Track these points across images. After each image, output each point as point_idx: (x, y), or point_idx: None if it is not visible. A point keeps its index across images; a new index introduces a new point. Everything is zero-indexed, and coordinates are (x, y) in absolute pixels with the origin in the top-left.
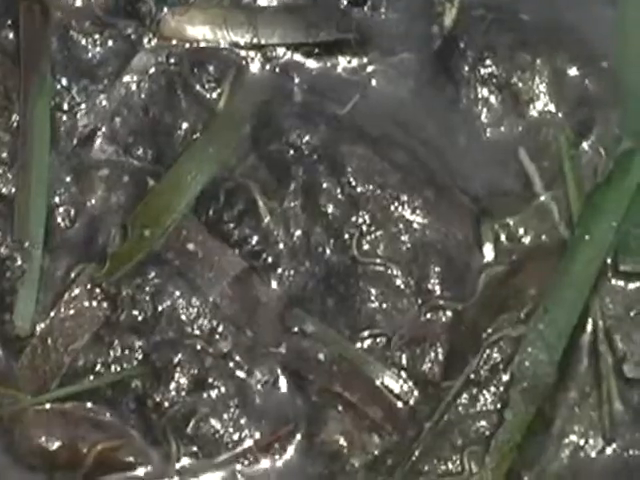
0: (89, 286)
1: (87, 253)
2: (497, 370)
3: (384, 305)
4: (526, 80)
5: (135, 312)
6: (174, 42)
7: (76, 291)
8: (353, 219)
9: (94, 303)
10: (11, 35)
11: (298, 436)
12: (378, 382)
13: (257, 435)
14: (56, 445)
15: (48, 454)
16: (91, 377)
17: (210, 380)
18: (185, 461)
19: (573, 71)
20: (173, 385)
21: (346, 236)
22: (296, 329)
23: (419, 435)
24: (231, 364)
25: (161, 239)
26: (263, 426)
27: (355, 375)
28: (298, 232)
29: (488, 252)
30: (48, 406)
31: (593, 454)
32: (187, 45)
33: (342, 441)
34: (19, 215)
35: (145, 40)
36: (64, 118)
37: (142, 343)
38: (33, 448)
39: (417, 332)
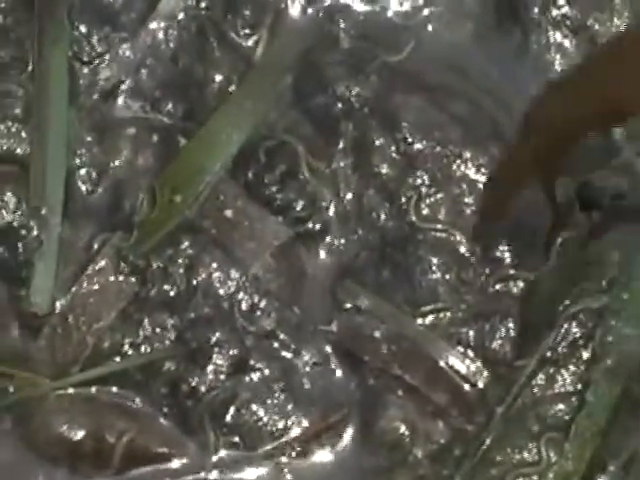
0: (115, 258)
1: (112, 221)
2: (577, 346)
3: (447, 276)
4: (604, 21)
5: (167, 286)
6: None
7: (100, 263)
8: (410, 180)
9: (121, 277)
10: None
11: (352, 424)
12: (442, 362)
13: (305, 423)
14: (80, 434)
15: (71, 444)
16: (118, 359)
17: (252, 362)
18: (224, 453)
19: None
20: (210, 368)
21: (403, 199)
22: (349, 304)
23: (490, 421)
24: (275, 344)
25: (195, 205)
26: (312, 413)
27: (416, 355)
28: (349, 195)
29: (564, 214)
30: (71, 391)
31: None
32: None
33: (403, 429)
34: (35, 179)
35: None
36: (84, 70)
37: (175, 321)
38: (54, 438)
39: (485, 306)
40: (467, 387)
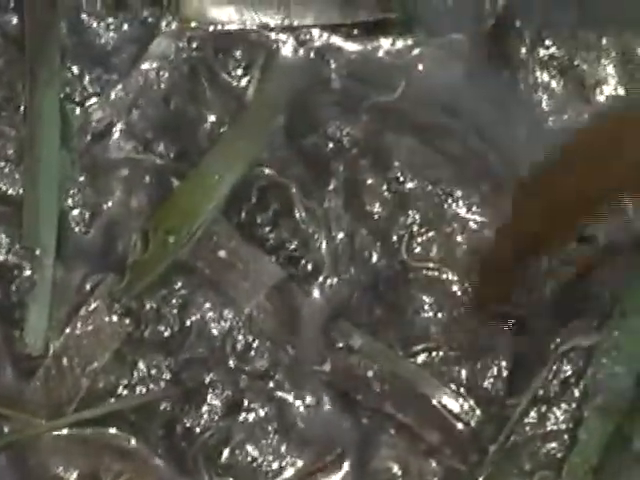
0: (108, 299)
1: (105, 262)
2: (568, 385)
3: (439, 315)
4: (591, 61)
5: (161, 327)
6: (196, 25)
7: (94, 304)
8: (402, 219)
9: (114, 318)
10: (15, 20)
11: (346, 464)
12: (435, 401)
13: (300, 463)
14: (75, 475)
15: None
16: (113, 401)
17: (246, 402)
18: None
19: None
20: (205, 408)
21: (394, 238)
22: (341, 344)
23: (482, 460)
24: (270, 384)
25: (188, 246)
26: (306, 453)
27: (409, 394)
28: (341, 235)
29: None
30: (66, 432)
31: None
32: (211, 28)
33: (396, 469)
34: (28, 219)
35: (164, 23)
36: (76, 111)
37: (169, 362)
38: (50, 479)
39: (477, 344)
40: (460, 426)
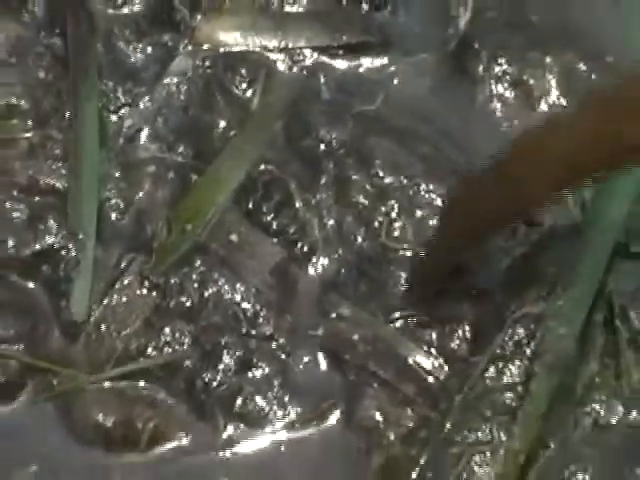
0: (139, 275)
1: (136, 244)
2: (521, 345)
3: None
4: (538, 76)
5: (183, 299)
6: (208, 47)
7: (127, 280)
8: (382, 208)
9: (144, 291)
10: (60, 42)
11: (337, 412)
12: (410, 360)
13: (299, 411)
14: (113, 421)
15: (105, 429)
16: (143, 360)
17: (255, 361)
18: (231, 431)
19: (581, 66)
20: (220, 366)
21: (376, 224)
22: (332, 313)
23: (450, 408)
24: (274, 346)
25: (205, 231)
26: (304, 403)
27: (388, 354)
28: (331, 222)
29: (510, 235)
30: (105, 385)
31: (613, 421)
32: (221, 49)
33: (378, 416)
34: (72, 208)
35: (182, 46)
36: (111, 118)
37: (190, 328)
38: (91, 424)
39: (446, 312)
40: (431, 380)
